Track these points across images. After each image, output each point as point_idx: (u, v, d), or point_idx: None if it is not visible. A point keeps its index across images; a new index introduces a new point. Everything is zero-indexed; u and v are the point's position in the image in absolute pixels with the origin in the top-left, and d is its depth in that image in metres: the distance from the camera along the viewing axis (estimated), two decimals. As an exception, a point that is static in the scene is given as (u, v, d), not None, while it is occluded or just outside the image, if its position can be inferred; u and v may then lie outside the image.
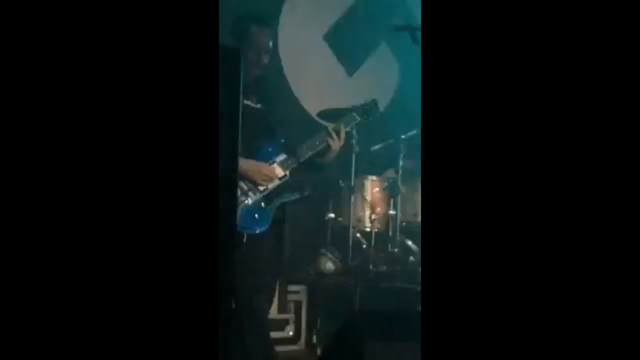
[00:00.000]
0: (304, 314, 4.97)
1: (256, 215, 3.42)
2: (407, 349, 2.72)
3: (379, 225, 5.30)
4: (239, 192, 3.36)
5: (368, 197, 5.33)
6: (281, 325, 4.86)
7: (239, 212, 3.32)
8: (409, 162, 5.41)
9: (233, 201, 2.36)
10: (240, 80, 2.30)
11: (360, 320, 3.97)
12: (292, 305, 4.94)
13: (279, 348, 4.28)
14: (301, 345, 4.93)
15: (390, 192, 5.35)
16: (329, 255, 5.12)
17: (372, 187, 5.37)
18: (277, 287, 4.22)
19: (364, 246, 5.30)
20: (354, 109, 3.82)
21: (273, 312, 4.51)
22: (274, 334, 4.23)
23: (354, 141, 4.86)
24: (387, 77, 6.34)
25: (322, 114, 4.40)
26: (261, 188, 3.47)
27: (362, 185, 5.35)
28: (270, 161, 3.53)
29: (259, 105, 3.58)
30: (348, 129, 3.76)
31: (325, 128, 3.67)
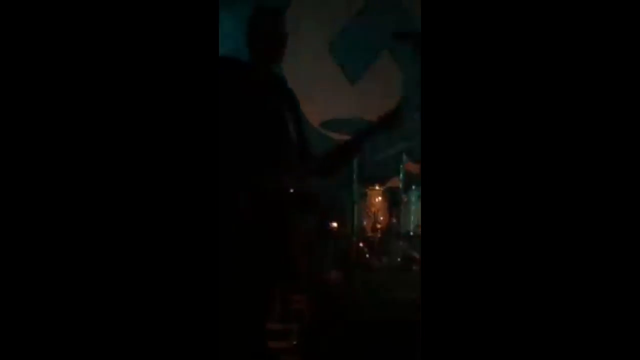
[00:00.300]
0: (306, 323, 4.96)
1: None
2: (409, 358, 2.71)
3: (381, 235, 5.30)
4: None
5: (371, 207, 5.32)
6: (284, 335, 4.85)
7: None
8: (410, 167, 5.41)
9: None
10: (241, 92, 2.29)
11: (362, 330, 3.97)
12: (294, 315, 4.92)
13: (282, 358, 4.27)
14: (303, 355, 4.91)
15: (393, 201, 5.35)
16: (332, 264, 5.12)
17: (375, 197, 5.37)
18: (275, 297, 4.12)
19: (367, 255, 5.29)
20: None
21: (275, 322, 4.49)
22: (276, 344, 4.22)
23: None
24: (391, 86, 6.34)
25: (326, 125, 4.37)
26: None
27: (365, 195, 5.35)
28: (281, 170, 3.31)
29: (274, 108, 3.38)
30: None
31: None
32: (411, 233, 5.38)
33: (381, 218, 5.33)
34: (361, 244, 5.32)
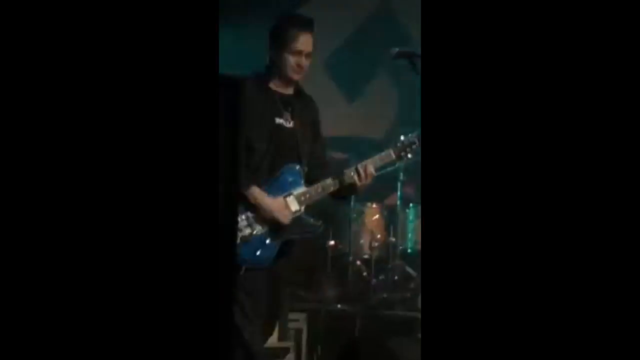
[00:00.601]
0: (304, 341, 4.95)
1: (258, 252, 3.17)
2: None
3: (378, 253, 5.30)
4: (245, 223, 3.14)
5: (368, 225, 5.33)
6: (281, 353, 4.83)
7: (241, 245, 3.09)
8: (409, 189, 5.42)
9: (232, 235, 2.29)
10: (240, 110, 2.28)
11: (360, 348, 3.96)
12: (292, 333, 4.91)
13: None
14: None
15: (390, 219, 5.36)
16: (329, 282, 5.12)
17: (372, 215, 5.38)
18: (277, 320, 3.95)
19: (364, 274, 5.30)
20: (391, 144, 3.40)
21: (273, 340, 4.48)
22: (274, 363, 4.21)
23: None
24: (388, 104, 6.37)
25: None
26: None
27: (362, 213, 5.36)
28: (287, 193, 3.24)
29: (291, 124, 3.30)
30: (375, 170, 3.34)
31: (352, 166, 3.33)
32: (409, 250, 5.39)
33: (378, 236, 5.33)
34: (358, 262, 5.33)
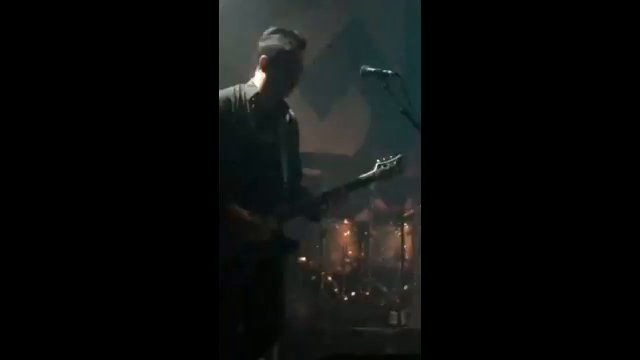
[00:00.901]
0: (276, 358, 4.94)
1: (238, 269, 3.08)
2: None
3: (350, 269, 5.31)
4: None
5: (339, 241, 5.34)
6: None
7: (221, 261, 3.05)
8: (379, 204, 5.45)
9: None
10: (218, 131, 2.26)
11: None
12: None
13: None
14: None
15: (361, 235, 5.38)
16: (300, 298, 5.11)
17: (343, 231, 5.39)
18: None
19: (335, 290, 5.30)
20: (374, 167, 3.33)
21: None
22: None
23: (325, 184, 4.85)
24: (359, 121, 6.40)
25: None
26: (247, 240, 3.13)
27: (333, 229, 5.37)
28: (268, 209, 3.15)
29: (273, 139, 3.23)
30: (349, 195, 3.27)
31: (326, 191, 3.28)
32: (378, 265, 5.40)
33: (350, 252, 5.34)
34: (330, 278, 5.33)
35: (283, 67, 3.18)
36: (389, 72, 3.06)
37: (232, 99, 3.14)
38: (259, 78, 3.24)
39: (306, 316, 5.08)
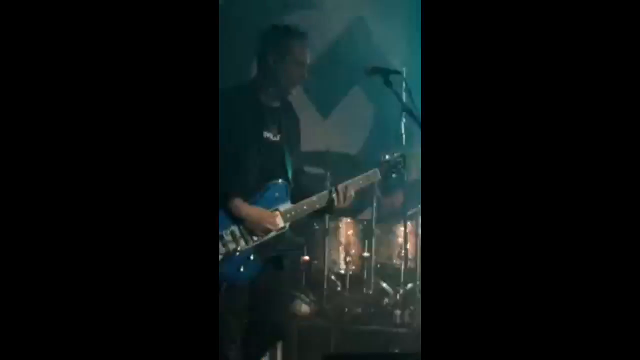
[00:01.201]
0: (279, 357, 4.93)
1: (242, 269, 3.12)
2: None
3: (353, 268, 5.30)
4: (230, 238, 3.10)
5: (342, 239, 5.33)
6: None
7: (224, 260, 3.05)
8: (382, 202, 5.43)
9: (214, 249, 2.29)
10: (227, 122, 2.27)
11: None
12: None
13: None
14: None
15: (365, 234, 5.37)
16: (304, 298, 5.10)
17: (347, 229, 5.38)
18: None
19: (339, 289, 5.29)
20: (377, 164, 3.39)
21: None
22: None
23: (328, 182, 4.85)
24: (361, 120, 6.39)
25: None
26: (255, 237, 3.15)
27: (337, 228, 5.36)
28: (273, 208, 3.20)
29: (277, 138, 3.27)
30: (356, 192, 3.32)
31: (328, 181, 3.39)
32: (378, 265, 5.39)
33: (353, 251, 5.33)
34: (333, 277, 5.32)
35: (285, 64, 3.18)
36: (392, 70, 3.07)
37: (234, 97, 3.15)
38: (261, 77, 3.24)
39: (309, 315, 5.07)
